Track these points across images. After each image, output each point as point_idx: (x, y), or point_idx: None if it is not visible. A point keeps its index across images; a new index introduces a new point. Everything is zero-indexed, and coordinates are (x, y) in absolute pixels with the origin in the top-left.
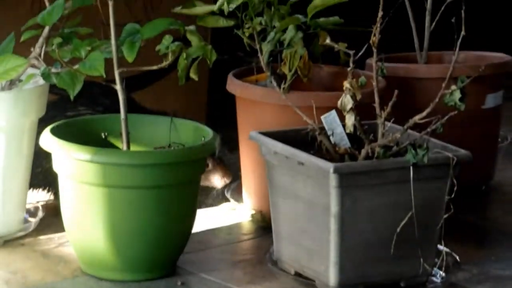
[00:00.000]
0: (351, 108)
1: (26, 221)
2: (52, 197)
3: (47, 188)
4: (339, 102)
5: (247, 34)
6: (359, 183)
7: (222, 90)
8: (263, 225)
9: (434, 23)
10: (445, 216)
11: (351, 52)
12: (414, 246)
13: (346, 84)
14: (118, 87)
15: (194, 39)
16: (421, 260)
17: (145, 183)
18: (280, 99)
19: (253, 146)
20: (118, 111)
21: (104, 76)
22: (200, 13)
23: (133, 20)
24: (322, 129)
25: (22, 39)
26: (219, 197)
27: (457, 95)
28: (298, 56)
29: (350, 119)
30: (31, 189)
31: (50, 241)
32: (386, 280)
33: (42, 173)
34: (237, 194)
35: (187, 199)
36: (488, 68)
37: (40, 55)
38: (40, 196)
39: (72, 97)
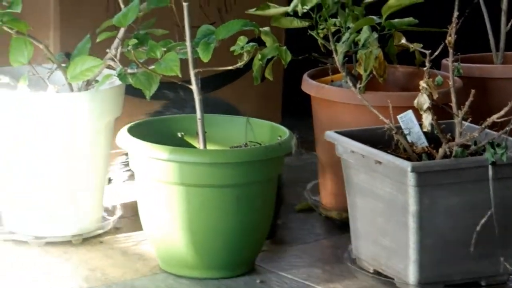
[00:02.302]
0: (428, 108)
1: (104, 219)
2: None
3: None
4: (415, 101)
5: (321, 35)
6: (437, 182)
7: (297, 90)
8: (341, 224)
9: (510, 24)
10: None
11: (427, 52)
12: (494, 245)
13: (422, 84)
14: (194, 87)
15: (268, 40)
16: (502, 259)
17: (222, 182)
18: (356, 99)
19: (329, 145)
20: None
21: (180, 76)
22: (274, 14)
23: (207, 22)
24: (399, 128)
25: (98, 40)
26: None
27: None
28: (373, 57)
29: (427, 119)
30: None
31: (128, 239)
32: (466, 279)
33: None
34: (315, 193)
35: (264, 198)
36: None
37: (115, 56)
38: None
39: (148, 98)
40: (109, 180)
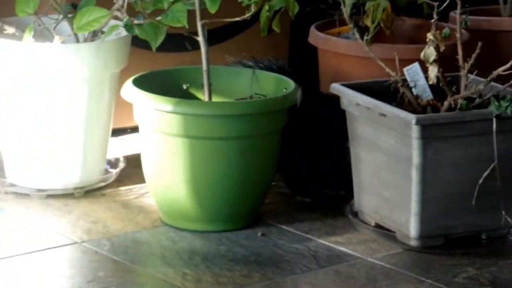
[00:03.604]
0: (434, 60)
1: (107, 171)
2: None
3: None
4: (422, 54)
5: None
6: (442, 135)
7: (304, 42)
8: None
9: None
10: None
11: (435, 4)
12: (496, 198)
13: (429, 36)
14: (200, 38)
15: None
16: (503, 212)
17: (226, 134)
18: (363, 51)
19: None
20: None
21: (187, 27)
22: None
23: None
24: (405, 81)
25: None
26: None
27: None
28: (381, 9)
29: (433, 71)
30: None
31: (130, 191)
32: (467, 232)
33: None
34: None
35: (268, 150)
36: None
37: (122, 6)
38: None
39: (154, 49)
40: None
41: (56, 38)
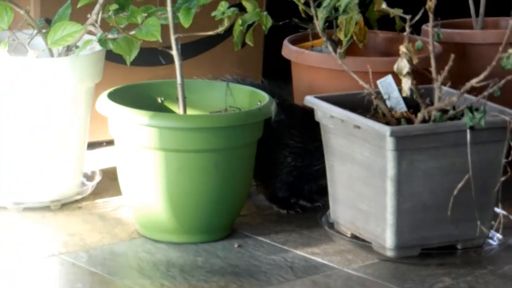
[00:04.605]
0: (407, 72)
1: (83, 184)
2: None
3: None
4: (395, 66)
5: (302, 1)
6: (416, 146)
7: (277, 56)
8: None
9: None
10: (502, 179)
11: (407, 17)
12: (471, 209)
13: (402, 48)
14: (174, 52)
15: (249, 6)
16: (478, 222)
17: (201, 147)
18: (336, 64)
19: None
20: None
21: (161, 41)
22: None
23: None
24: (378, 93)
25: (78, 6)
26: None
27: None
28: (353, 22)
29: (406, 83)
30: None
31: (107, 204)
32: (442, 242)
33: None
34: None
35: (243, 163)
36: None
37: (96, 21)
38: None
39: (128, 63)
40: None
41: (31, 53)
